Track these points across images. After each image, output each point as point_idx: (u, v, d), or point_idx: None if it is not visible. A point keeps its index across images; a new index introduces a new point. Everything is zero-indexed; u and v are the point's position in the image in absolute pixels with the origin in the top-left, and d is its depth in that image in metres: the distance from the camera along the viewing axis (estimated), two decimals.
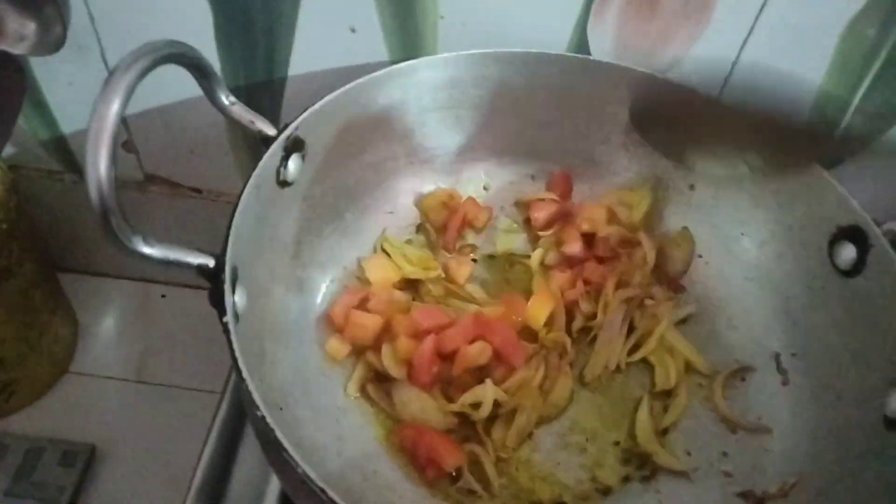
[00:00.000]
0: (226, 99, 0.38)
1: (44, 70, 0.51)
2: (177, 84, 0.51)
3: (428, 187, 0.51)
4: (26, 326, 0.55)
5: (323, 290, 0.45)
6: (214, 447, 0.46)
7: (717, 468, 0.41)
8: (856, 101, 0.49)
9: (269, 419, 0.28)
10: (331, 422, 0.40)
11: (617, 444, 0.43)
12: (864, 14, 0.43)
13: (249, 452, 0.46)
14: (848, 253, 0.41)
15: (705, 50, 0.47)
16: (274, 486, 0.45)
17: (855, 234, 0.40)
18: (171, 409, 0.61)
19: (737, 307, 0.47)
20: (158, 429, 0.60)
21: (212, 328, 0.32)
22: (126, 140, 0.56)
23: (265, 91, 0.51)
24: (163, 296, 0.68)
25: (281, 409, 0.38)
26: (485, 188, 0.52)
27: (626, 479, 0.41)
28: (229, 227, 0.34)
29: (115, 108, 0.29)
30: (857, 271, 0.40)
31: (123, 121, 0.54)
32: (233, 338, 0.30)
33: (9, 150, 0.57)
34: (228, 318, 0.31)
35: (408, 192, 0.50)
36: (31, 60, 0.50)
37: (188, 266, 0.33)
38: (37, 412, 0.59)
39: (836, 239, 0.41)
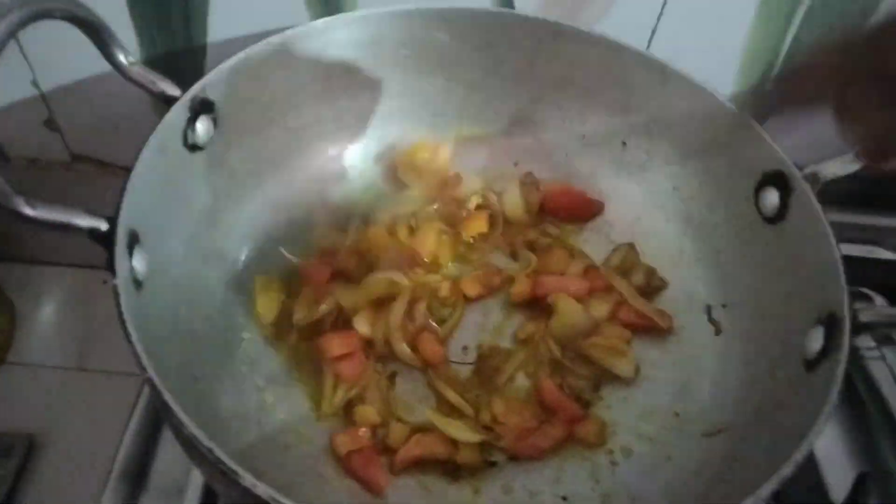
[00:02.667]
0: (124, 59, 0.37)
1: None
2: (97, 57, 0.49)
3: (355, 152, 0.49)
4: None
5: (243, 259, 0.44)
6: (137, 427, 0.44)
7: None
8: (784, 48, 0.48)
9: (156, 381, 0.27)
10: (252, 392, 0.39)
11: None
12: None
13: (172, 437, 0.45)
14: (772, 199, 0.40)
15: (627, 7, 0.46)
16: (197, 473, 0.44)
17: (778, 180, 0.40)
18: (111, 395, 0.59)
19: (668, 261, 0.46)
20: (99, 416, 0.58)
21: None
22: (48, 118, 0.54)
23: (185, 60, 0.50)
24: (104, 282, 0.66)
25: (196, 379, 0.37)
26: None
27: None
28: (123, 188, 0.33)
29: None
30: (782, 216, 0.40)
31: (43, 97, 0.52)
32: (121, 301, 0.29)
33: None
34: (118, 281, 0.30)
35: (335, 157, 0.49)
36: None
37: (78, 229, 0.31)
38: None
39: (761, 186, 0.41)
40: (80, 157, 0.57)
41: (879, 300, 0.52)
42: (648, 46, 0.48)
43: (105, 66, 0.49)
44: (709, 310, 0.44)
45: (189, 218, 0.40)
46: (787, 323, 0.37)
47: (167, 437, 0.45)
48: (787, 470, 0.27)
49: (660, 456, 0.39)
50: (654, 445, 0.40)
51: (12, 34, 0.29)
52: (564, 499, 0.38)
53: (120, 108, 0.53)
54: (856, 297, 0.51)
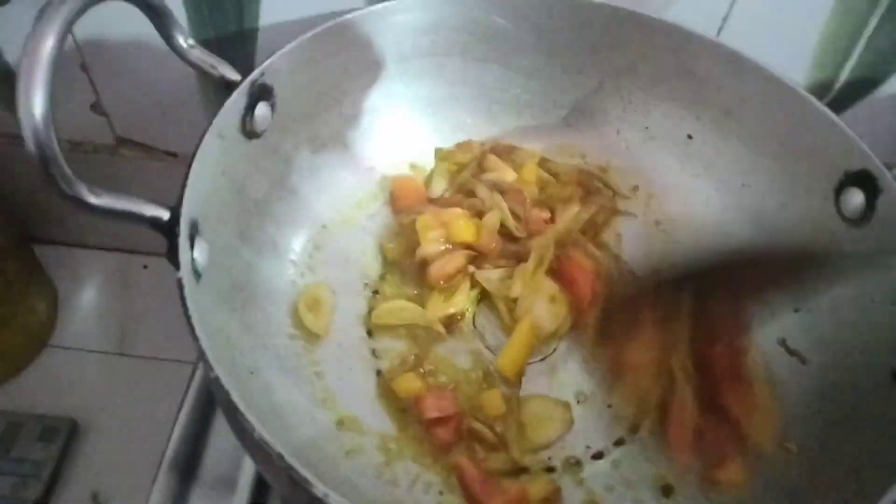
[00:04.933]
0: (184, 42, 0.35)
1: (1, 26, 0.48)
2: (145, 40, 0.48)
3: (410, 142, 0.48)
4: (0, 299, 0.53)
5: (298, 249, 0.43)
6: (188, 418, 0.44)
7: None
8: (862, 41, 0.46)
9: (222, 378, 0.26)
10: (306, 386, 0.38)
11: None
12: None
13: (224, 424, 0.44)
14: (856, 199, 0.38)
15: None
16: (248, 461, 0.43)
17: (863, 179, 0.37)
18: (152, 381, 0.60)
19: None
20: (140, 401, 0.58)
21: None
22: (94, 102, 0.53)
23: (236, 43, 0.48)
24: (144, 266, 0.66)
25: (252, 372, 0.35)
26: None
27: None
28: (186, 177, 0.32)
29: (49, 43, 0.27)
30: (866, 219, 0.37)
31: (90, 82, 0.52)
32: (186, 294, 0.28)
33: None
34: (182, 273, 0.29)
35: (388, 146, 0.47)
36: None
37: (140, 218, 0.30)
38: (16, 387, 0.58)
39: (843, 185, 0.39)
40: (125, 140, 0.56)
41: None
42: (719, 34, 0.46)
43: (152, 50, 0.49)
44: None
45: (244, 207, 0.39)
46: (872, 332, 0.35)
47: (217, 428, 0.44)
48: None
49: None
50: None
51: (76, 17, 0.28)
52: None
53: (166, 92, 0.52)
54: None
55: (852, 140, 0.38)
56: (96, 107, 0.54)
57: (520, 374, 0.40)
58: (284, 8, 0.46)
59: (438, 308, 0.41)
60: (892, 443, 0.30)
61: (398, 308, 0.41)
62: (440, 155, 0.48)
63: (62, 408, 0.56)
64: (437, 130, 0.49)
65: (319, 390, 0.38)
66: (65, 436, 0.55)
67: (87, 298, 0.64)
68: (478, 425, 0.37)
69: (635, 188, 0.49)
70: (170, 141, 0.56)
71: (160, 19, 0.34)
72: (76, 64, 0.50)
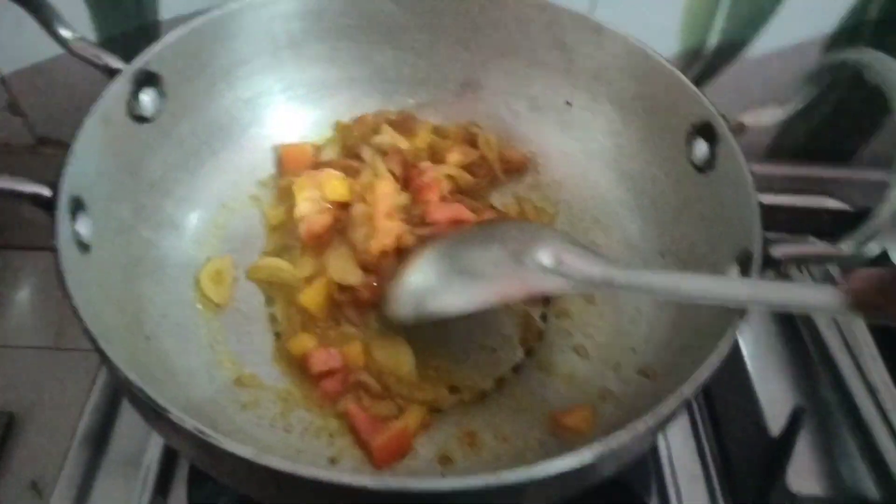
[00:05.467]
0: (68, 34, 0.38)
1: None
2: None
3: (309, 123, 0.51)
4: None
5: (195, 225, 0.45)
6: (98, 396, 0.46)
7: None
8: (723, 9, 0.50)
9: (91, 330, 0.28)
10: (205, 350, 0.41)
11: None
12: None
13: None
14: (702, 149, 0.42)
15: None
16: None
17: (706, 130, 0.41)
18: (90, 373, 0.61)
19: (611, 214, 0.48)
20: (75, 393, 0.59)
21: None
22: (10, 102, 0.55)
23: (139, 39, 0.51)
24: None
25: (148, 338, 0.38)
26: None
27: None
28: (67, 156, 0.34)
29: None
30: (711, 166, 0.41)
31: (2, 81, 0.54)
32: (61, 261, 0.31)
33: None
34: (58, 243, 0.31)
35: (287, 128, 0.50)
36: None
37: (22, 195, 0.33)
38: None
39: (692, 137, 0.42)
40: (46, 139, 0.58)
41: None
42: (593, 10, 0.49)
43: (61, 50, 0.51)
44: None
45: (139, 187, 0.41)
46: (714, 267, 0.39)
47: (127, 406, 0.47)
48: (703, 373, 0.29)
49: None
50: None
51: None
52: None
53: (82, 90, 0.54)
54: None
55: (696, 95, 0.41)
56: (13, 107, 0.55)
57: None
58: (183, 2, 0.48)
59: (306, 266, 0.44)
60: None
61: (272, 265, 0.44)
62: (338, 127, 0.51)
63: (0, 402, 0.58)
64: (334, 110, 0.51)
65: (220, 353, 0.41)
66: (2, 428, 0.56)
67: (21, 298, 0.66)
68: (365, 377, 0.40)
69: (530, 154, 0.52)
70: None
71: (41, 13, 0.37)
72: None
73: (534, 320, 0.44)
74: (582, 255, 0.37)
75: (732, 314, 0.32)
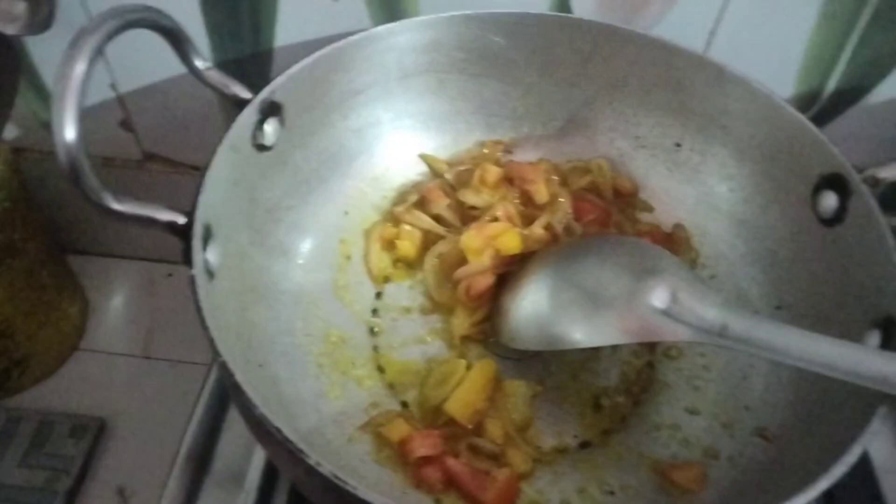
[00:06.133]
0: (201, 64, 0.39)
1: (41, 51, 0.53)
2: (172, 60, 0.52)
3: (412, 154, 0.51)
4: (35, 305, 0.57)
5: (305, 252, 0.46)
6: (203, 414, 0.47)
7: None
8: (846, 52, 0.48)
9: (227, 361, 0.29)
10: (310, 379, 0.41)
11: None
12: None
13: (237, 418, 0.47)
14: (830, 201, 0.40)
15: (686, 9, 0.46)
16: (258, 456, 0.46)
17: (836, 182, 0.39)
18: (176, 383, 0.63)
19: (723, 262, 0.47)
20: (165, 402, 0.61)
21: None
22: (123, 119, 0.57)
23: (253, 64, 0.52)
24: (169, 275, 0.70)
25: (260, 365, 0.39)
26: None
27: None
28: (200, 185, 0.35)
29: (79, 68, 0.30)
30: (840, 219, 0.39)
31: (119, 99, 0.56)
32: (197, 290, 0.31)
33: (13, 132, 0.59)
34: (195, 272, 0.32)
35: (391, 157, 0.50)
36: (29, 43, 0.52)
37: (158, 223, 0.33)
38: (48, 388, 0.61)
39: (819, 188, 0.41)
40: (152, 155, 0.60)
41: None
42: (707, 49, 0.48)
43: (177, 70, 0.53)
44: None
45: (256, 214, 0.42)
46: (842, 326, 0.37)
47: (230, 423, 0.47)
48: (839, 469, 0.27)
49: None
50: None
51: (105, 43, 0.31)
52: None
53: (190, 110, 0.56)
54: None
55: (825, 145, 0.40)
56: (125, 123, 0.58)
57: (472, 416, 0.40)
58: (298, 30, 0.50)
59: (463, 324, 0.43)
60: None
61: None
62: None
63: (91, 407, 0.60)
64: (438, 142, 0.51)
65: (324, 383, 0.41)
66: (93, 433, 0.58)
67: (115, 305, 0.68)
68: (478, 441, 0.39)
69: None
70: (194, 156, 0.60)
71: (178, 44, 0.38)
72: (107, 83, 0.54)
73: (639, 368, 0.43)
74: (703, 296, 0.34)
75: (872, 392, 0.30)
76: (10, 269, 0.52)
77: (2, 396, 0.59)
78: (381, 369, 0.43)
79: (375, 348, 0.44)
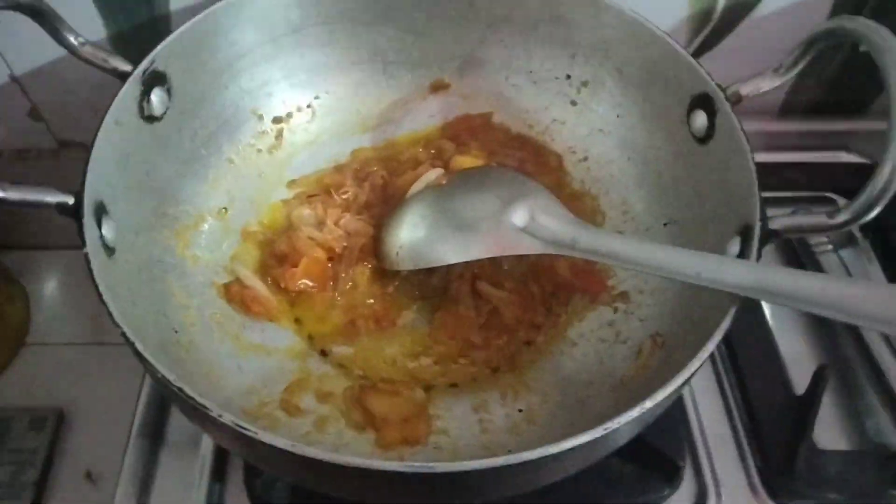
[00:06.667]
0: (74, 40, 0.39)
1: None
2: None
3: (313, 107, 0.52)
4: None
5: (209, 222, 0.47)
6: (149, 391, 0.49)
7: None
8: None
9: (127, 332, 0.30)
10: (228, 342, 0.43)
11: None
12: None
13: None
14: (701, 120, 0.42)
15: None
16: None
17: (705, 101, 0.41)
18: (130, 365, 0.62)
19: (615, 184, 0.49)
20: (118, 384, 0.60)
21: None
22: (31, 108, 0.56)
23: (151, 33, 0.51)
24: None
25: (176, 331, 0.40)
26: None
27: None
28: (87, 163, 0.36)
29: None
30: (710, 136, 0.42)
31: (22, 89, 0.54)
32: (92, 266, 0.32)
33: None
34: (89, 249, 0.33)
35: (290, 114, 0.51)
36: None
37: (47, 205, 0.34)
38: (1, 385, 0.61)
39: (692, 108, 0.43)
40: (67, 143, 0.59)
41: (842, 201, 0.53)
42: None
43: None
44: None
45: (153, 186, 0.43)
46: (717, 237, 0.40)
47: None
48: (700, 358, 0.31)
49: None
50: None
51: None
52: None
53: (100, 93, 0.55)
54: (817, 200, 0.55)
55: (694, 67, 0.42)
56: (34, 113, 0.56)
57: None
58: None
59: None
60: None
61: None
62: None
63: (47, 399, 0.60)
64: (336, 93, 0.52)
65: (245, 343, 0.43)
66: (53, 423, 0.58)
67: (55, 296, 0.67)
68: None
69: (529, 127, 0.53)
70: None
71: (46, 21, 0.37)
72: (6, 74, 0.52)
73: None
74: (557, 216, 0.39)
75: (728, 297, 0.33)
76: None
77: None
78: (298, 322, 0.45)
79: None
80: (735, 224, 0.38)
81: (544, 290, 0.46)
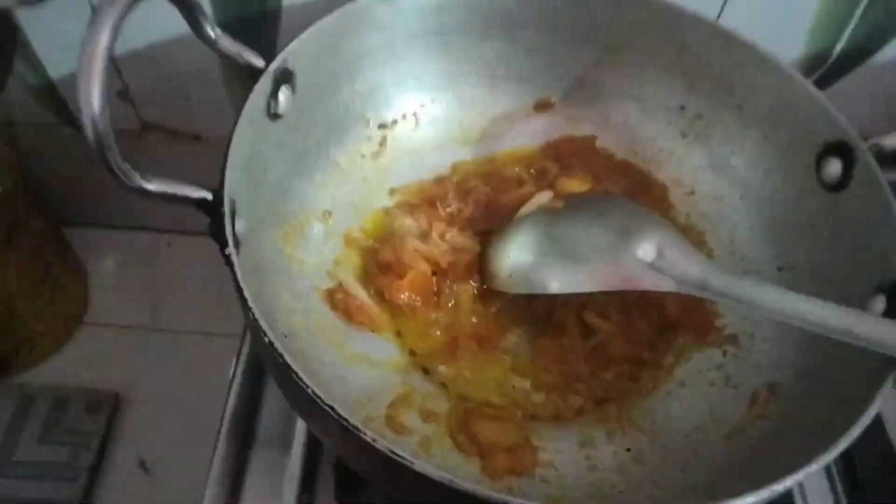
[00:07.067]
0: (212, 31, 0.38)
1: (29, 17, 0.51)
2: (167, 27, 0.50)
3: (419, 115, 0.51)
4: (39, 281, 0.57)
5: (315, 229, 0.46)
6: (240, 387, 0.47)
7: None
8: (856, 14, 0.49)
9: (275, 343, 0.29)
10: (332, 350, 0.42)
11: None
12: None
13: (275, 392, 0.48)
14: (834, 168, 0.41)
15: None
16: (301, 423, 0.46)
17: (841, 149, 0.40)
18: (187, 353, 0.63)
19: (724, 223, 0.48)
20: (177, 373, 0.61)
21: (217, 273, 0.33)
22: (120, 89, 0.56)
23: (260, 27, 0.51)
24: (168, 244, 0.70)
25: (286, 336, 0.39)
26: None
27: None
28: (225, 160, 0.35)
29: (103, 43, 0.30)
30: (843, 185, 0.41)
31: (116, 69, 0.54)
32: (235, 269, 0.32)
33: (3, 106, 0.57)
34: (230, 249, 0.32)
35: (398, 119, 0.51)
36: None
37: (188, 200, 0.33)
38: (58, 363, 0.61)
39: (823, 154, 0.42)
40: (151, 125, 0.59)
41: None
42: (721, 12, 0.48)
43: (174, 38, 0.52)
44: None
45: (269, 184, 0.42)
46: (845, 289, 0.39)
47: (270, 394, 0.48)
48: (854, 431, 0.29)
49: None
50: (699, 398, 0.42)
51: (125, 15, 0.30)
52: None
53: (189, 77, 0.55)
54: None
55: (832, 112, 0.41)
56: (123, 94, 0.56)
57: None
58: None
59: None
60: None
61: None
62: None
63: (103, 381, 0.60)
64: (441, 103, 0.51)
65: (348, 353, 0.42)
66: (109, 407, 0.58)
67: (116, 276, 0.67)
68: None
69: (635, 154, 0.52)
70: (193, 124, 0.58)
71: (191, 13, 0.37)
72: None
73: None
74: (687, 253, 0.38)
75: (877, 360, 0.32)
76: (17, 248, 0.52)
77: (13, 374, 0.59)
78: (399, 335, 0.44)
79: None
80: (875, 280, 0.37)
81: (651, 325, 0.45)
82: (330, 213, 0.47)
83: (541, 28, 0.49)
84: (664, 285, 0.38)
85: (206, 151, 0.60)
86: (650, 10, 0.46)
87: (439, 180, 0.50)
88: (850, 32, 0.50)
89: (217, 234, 0.33)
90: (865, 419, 0.30)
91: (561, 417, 0.42)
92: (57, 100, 0.57)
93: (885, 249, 0.36)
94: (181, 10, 0.37)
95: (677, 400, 0.42)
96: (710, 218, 0.49)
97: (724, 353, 0.44)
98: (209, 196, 0.34)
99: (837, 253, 0.41)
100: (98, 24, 0.30)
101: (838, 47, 0.51)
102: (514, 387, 0.43)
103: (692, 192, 0.50)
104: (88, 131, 0.30)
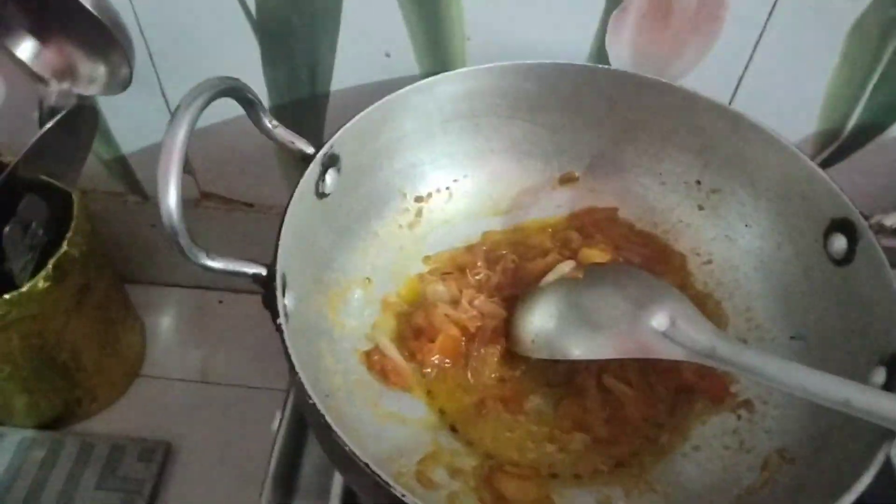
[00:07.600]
0: (269, 123, 0.44)
1: (107, 100, 0.57)
2: (228, 111, 0.56)
3: (451, 190, 0.56)
4: (103, 337, 0.62)
5: (356, 294, 0.50)
6: (284, 440, 0.50)
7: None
8: (866, 93, 0.52)
9: (318, 405, 0.33)
10: (368, 409, 0.45)
11: None
12: (868, 13, 0.46)
13: (315, 445, 0.51)
14: (840, 243, 0.44)
15: (717, 59, 0.51)
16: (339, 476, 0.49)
17: (845, 226, 0.43)
18: (235, 407, 0.66)
19: (739, 292, 0.51)
20: (225, 425, 0.65)
21: (265, 329, 0.37)
22: (186, 161, 0.62)
23: (309, 109, 0.57)
24: (219, 301, 0.74)
25: (327, 395, 0.43)
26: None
27: None
28: (278, 239, 0.40)
29: (180, 141, 0.35)
30: (849, 260, 0.43)
31: None
32: (286, 338, 0.36)
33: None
34: (281, 320, 0.36)
35: (432, 193, 0.55)
36: None
37: (245, 276, 0.38)
38: (114, 414, 0.66)
39: (830, 230, 0.45)
40: (208, 194, 0.65)
41: None
42: (735, 92, 0.52)
43: (234, 118, 0.58)
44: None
45: (314, 257, 0.46)
46: (849, 360, 0.41)
47: (311, 448, 0.51)
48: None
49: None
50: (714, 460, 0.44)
51: (200, 112, 0.36)
52: None
53: (245, 153, 0.61)
54: None
55: (836, 191, 0.44)
56: (187, 167, 0.62)
57: None
58: (351, 79, 0.54)
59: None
60: None
61: None
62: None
63: (156, 431, 0.64)
64: (473, 178, 0.56)
65: (382, 411, 0.46)
66: (161, 456, 0.62)
67: (170, 331, 0.72)
68: None
69: (654, 225, 0.55)
70: (246, 193, 0.64)
71: (253, 109, 0.42)
72: None
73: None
74: (698, 323, 0.41)
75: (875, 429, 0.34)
76: (86, 306, 0.57)
77: (74, 423, 0.64)
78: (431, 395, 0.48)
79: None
80: (877, 352, 0.39)
81: (668, 389, 0.47)
82: (370, 279, 0.51)
83: (562, 110, 0.53)
84: (675, 354, 0.41)
85: (257, 217, 0.66)
86: (666, 94, 0.50)
87: (470, 248, 0.54)
88: (860, 111, 0.53)
89: (270, 305, 0.38)
90: (860, 487, 0.32)
91: (581, 477, 0.44)
92: (126, 172, 0.64)
93: (886, 323, 0.39)
94: (245, 108, 0.43)
95: (693, 462, 0.44)
96: (726, 286, 0.52)
97: (739, 418, 0.46)
98: (263, 272, 0.38)
99: (845, 324, 0.43)
100: (175, 124, 0.35)
101: (850, 124, 0.54)
102: (536, 446, 0.45)
103: (709, 262, 0.53)
104: (165, 221, 0.35)
